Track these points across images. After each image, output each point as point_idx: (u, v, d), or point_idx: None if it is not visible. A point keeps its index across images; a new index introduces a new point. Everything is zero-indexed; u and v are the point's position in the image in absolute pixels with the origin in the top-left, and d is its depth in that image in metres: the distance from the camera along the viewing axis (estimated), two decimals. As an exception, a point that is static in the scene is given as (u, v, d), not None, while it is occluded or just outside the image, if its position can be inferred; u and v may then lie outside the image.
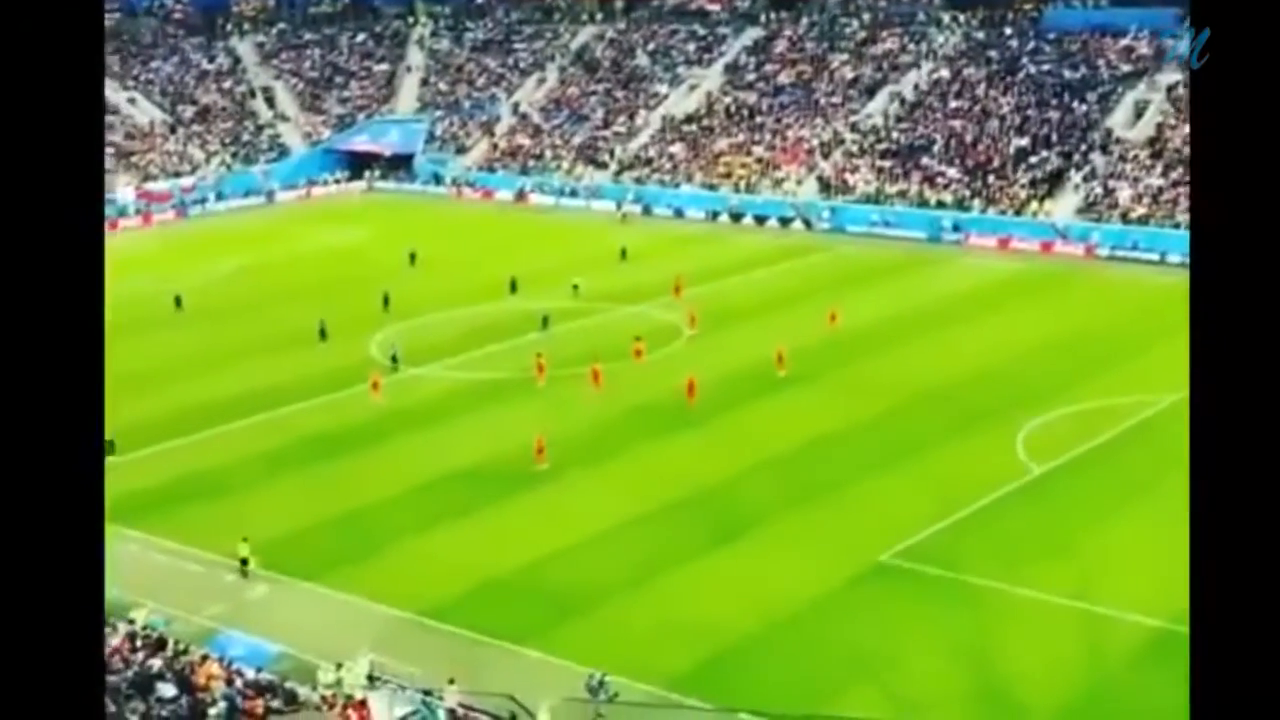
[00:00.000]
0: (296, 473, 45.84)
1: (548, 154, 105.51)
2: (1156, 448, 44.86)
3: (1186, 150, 78.21)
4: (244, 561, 37.74)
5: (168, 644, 30.08)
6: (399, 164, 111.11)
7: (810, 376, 54.69)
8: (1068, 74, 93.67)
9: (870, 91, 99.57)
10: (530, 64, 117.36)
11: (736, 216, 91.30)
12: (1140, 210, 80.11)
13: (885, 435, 47.94)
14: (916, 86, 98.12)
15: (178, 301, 68.83)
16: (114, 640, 29.55)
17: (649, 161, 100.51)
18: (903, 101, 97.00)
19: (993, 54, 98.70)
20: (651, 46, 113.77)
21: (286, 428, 50.40)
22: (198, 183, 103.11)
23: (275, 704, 27.25)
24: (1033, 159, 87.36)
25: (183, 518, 41.73)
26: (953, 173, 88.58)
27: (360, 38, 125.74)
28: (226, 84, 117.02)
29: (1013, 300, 68.56)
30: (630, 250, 79.04)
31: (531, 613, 35.08)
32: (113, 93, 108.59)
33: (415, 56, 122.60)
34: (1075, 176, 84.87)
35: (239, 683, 28.18)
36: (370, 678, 28.70)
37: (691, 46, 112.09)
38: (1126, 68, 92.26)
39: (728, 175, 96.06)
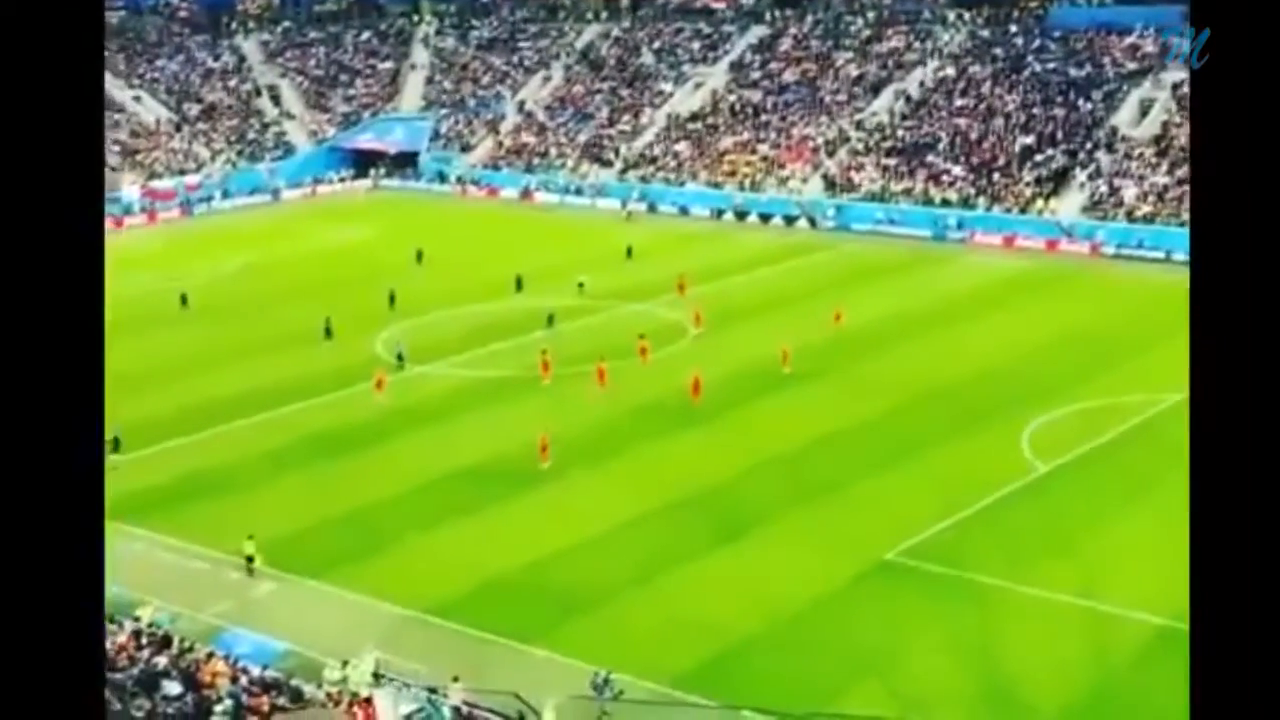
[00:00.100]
0: (302, 471, 45.88)
1: (553, 152, 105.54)
2: (1161, 446, 44.82)
3: (1192, 148, 78.09)
4: (249, 559, 37.79)
5: (173, 642, 30.12)
6: (404, 162, 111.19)
7: (815, 375, 54.69)
8: (1073, 72, 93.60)
9: (875, 89, 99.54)
10: (535, 62, 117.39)
11: (741, 215, 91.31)
12: (1145, 208, 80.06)
13: (890, 433, 47.92)
14: (922, 84, 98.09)
15: (183, 299, 68.90)
16: (120, 638, 29.61)
17: (654, 160, 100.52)
18: (908, 99, 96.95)
19: (998, 52, 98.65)
20: (656, 45, 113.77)
21: (292, 426, 50.44)
22: (203, 181, 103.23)
23: (281, 701, 27.28)
24: (1038, 157, 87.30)
25: (188, 515, 41.76)
26: (958, 171, 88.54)
27: (365, 36, 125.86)
28: (232, 82, 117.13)
29: (1018, 298, 68.52)
30: (635, 248, 79.07)
31: (536, 611, 35.11)
32: (118, 91, 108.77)
33: (420, 55, 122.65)
34: (1080, 175, 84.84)
35: (244, 680, 28.22)
36: (376, 675, 28.73)
37: (696, 45, 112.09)
38: (1132, 66, 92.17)
39: (733, 173, 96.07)
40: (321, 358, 58.81)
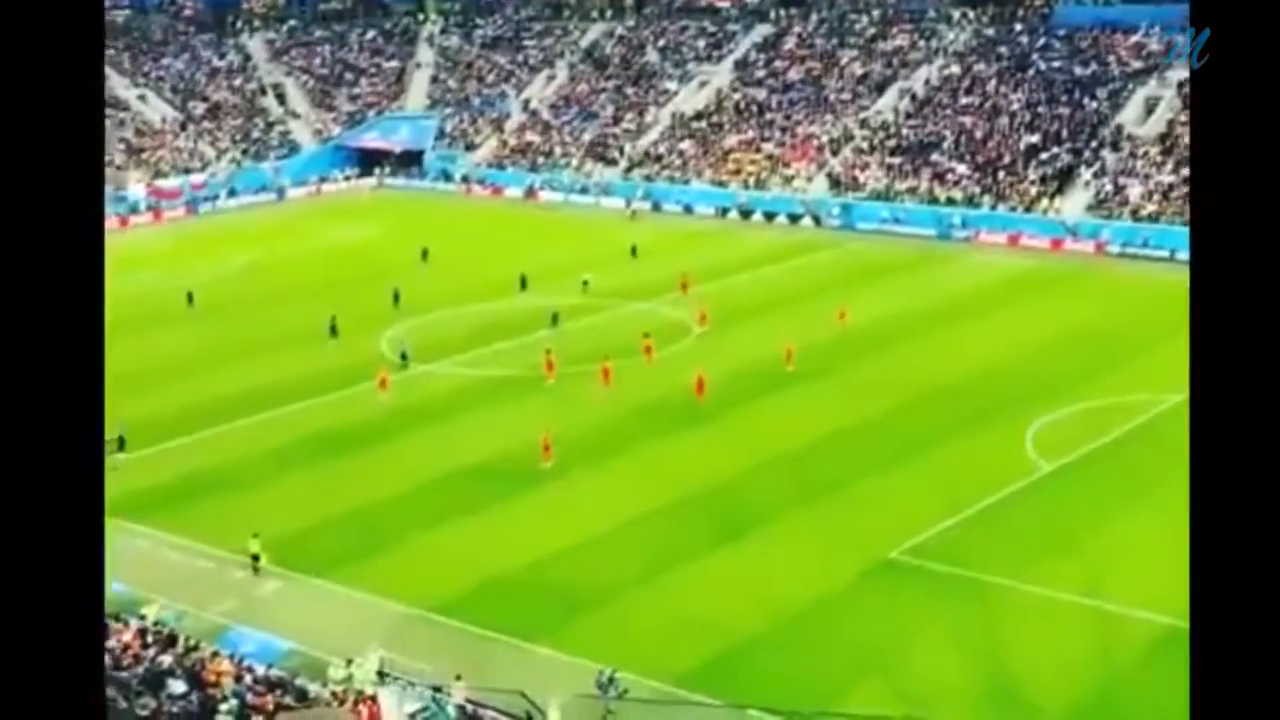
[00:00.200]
0: (306, 469, 45.95)
1: (557, 151, 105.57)
2: (1165, 445, 44.77)
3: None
4: (255, 557, 37.83)
5: (178, 640, 30.18)
6: (409, 161, 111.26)
7: (819, 373, 54.69)
8: (1078, 70, 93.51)
9: (880, 88, 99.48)
10: (540, 61, 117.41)
11: (746, 213, 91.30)
12: (1151, 207, 79.96)
13: (894, 432, 47.92)
14: (926, 83, 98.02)
15: (189, 298, 68.97)
16: (125, 636, 29.68)
17: (659, 158, 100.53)
18: (913, 98, 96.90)
19: (1003, 50, 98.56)
20: (661, 43, 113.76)
21: (297, 424, 50.51)
22: (208, 179, 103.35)
23: (286, 700, 27.32)
24: (1043, 156, 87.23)
25: (193, 514, 41.84)
26: (962, 169, 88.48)
27: (370, 34, 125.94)
28: (237, 81, 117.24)
29: (1022, 297, 68.47)
30: (640, 247, 79.07)
31: (540, 609, 35.15)
32: (123, 90, 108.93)
33: (425, 53, 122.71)
34: (1085, 173, 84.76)
35: (249, 679, 28.27)
36: (380, 674, 28.76)
37: (701, 43, 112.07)
38: (1137, 64, 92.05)
39: (737, 172, 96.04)
40: (326, 356, 58.88)
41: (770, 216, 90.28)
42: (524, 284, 70.14)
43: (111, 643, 28.74)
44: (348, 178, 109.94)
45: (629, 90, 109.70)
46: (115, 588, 34.04)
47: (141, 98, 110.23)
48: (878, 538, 38.71)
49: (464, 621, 34.49)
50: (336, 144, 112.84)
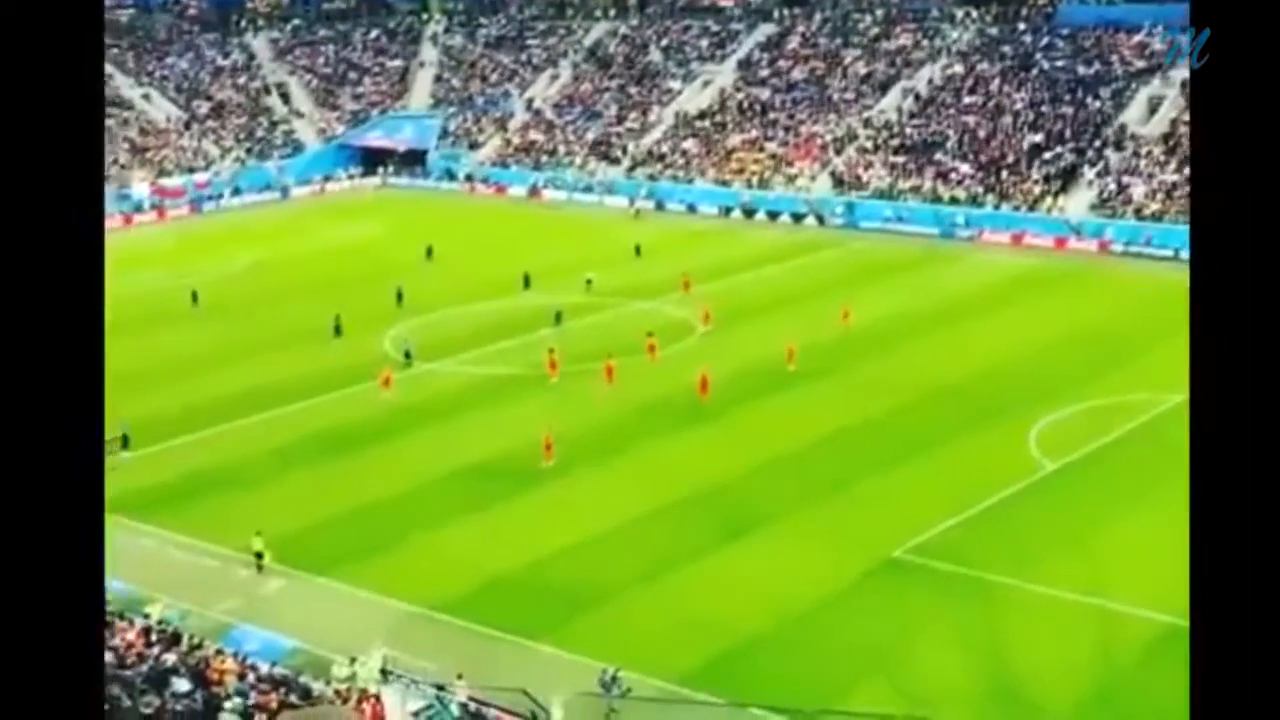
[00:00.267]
0: (310, 467, 45.98)
1: (561, 150, 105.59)
2: (1169, 444, 44.71)
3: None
4: (259, 555, 37.87)
5: (182, 639, 30.20)
6: (412, 160, 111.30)
7: (823, 372, 54.69)
8: (1081, 70, 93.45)
9: (883, 87, 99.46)
10: (543, 60, 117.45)
11: (749, 212, 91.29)
12: (1154, 206, 79.91)
13: (898, 431, 47.91)
14: (930, 82, 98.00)
15: (194, 297, 69.01)
16: (129, 635, 29.70)
17: (662, 157, 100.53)
18: (916, 97, 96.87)
19: (1006, 50, 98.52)
20: (665, 42, 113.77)
21: (301, 422, 50.55)
22: (212, 178, 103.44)
23: (290, 698, 27.33)
24: (1046, 155, 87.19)
25: (197, 512, 41.88)
26: (966, 169, 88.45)
27: (374, 34, 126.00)
28: (241, 80, 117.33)
29: (1026, 296, 68.43)
30: (643, 246, 79.06)
31: (544, 608, 35.16)
32: (127, 89, 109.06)
33: (429, 52, 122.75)
34: (1089, 172, 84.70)
35: (252, 677, 28.29)
36: (384, 672, 28.81)
37: (704, 42, 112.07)
38: (1140, 63, 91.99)
39: (741, 171, 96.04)
40: (330, 355, 58.93)
41: (774, 216, 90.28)
42: (527, 283, 70.16)
43: (115, 641, 28.77)
44: (351, 177, 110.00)
45: (632, 89, 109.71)
46: (119, 586, 34.11)
47: (146, 97, 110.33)
48: (881, 537, 38.72)
49: (467, 620, 34.52)
50: (340, 143, 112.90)
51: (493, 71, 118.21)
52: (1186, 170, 79.90)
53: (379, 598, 36.01)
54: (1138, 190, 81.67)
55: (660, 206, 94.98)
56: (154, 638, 29.95)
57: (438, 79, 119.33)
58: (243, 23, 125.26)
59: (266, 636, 33.18)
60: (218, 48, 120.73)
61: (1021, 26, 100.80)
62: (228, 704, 26.39)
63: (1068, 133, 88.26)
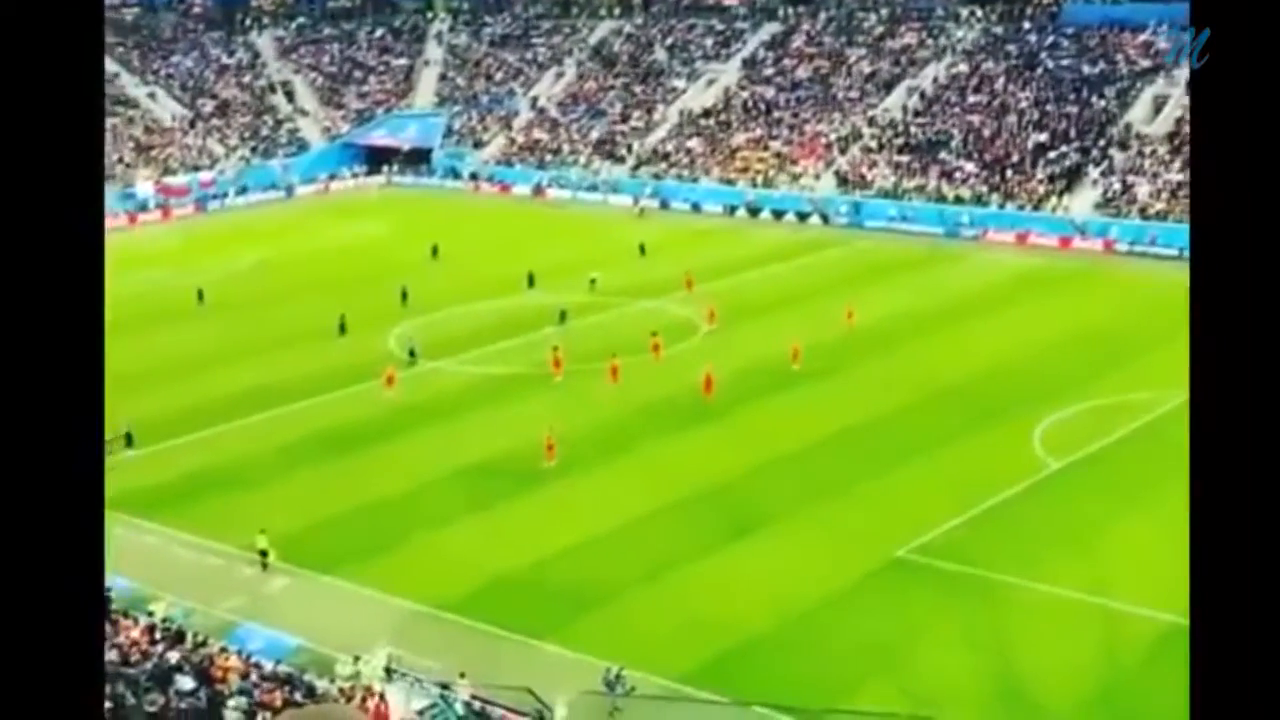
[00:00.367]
0: (315, 466, 46.01)
1: (565, 149, 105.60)
2: (1173, 443, 44.63)
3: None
4: (263, 554, 37.91)
5: (186, 637, 30.28)
6: (417, 158, 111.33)
7: (827, 372, 54.68)
8: (1086, 69, 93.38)
9: (888, 86, 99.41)
10: (548, 59, 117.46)
11: (754, 211, 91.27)
12: (1159, 205, 79.83)
13: (902, 430, 47.89)
14: (934, 81, 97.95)
15: (199, 295, 69.07)
16: (133, 633, 29.77)
17: (666, 156, 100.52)
18: (921, 96, 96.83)
19: (1011, 49, 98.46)
20: (669, 41, 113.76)
21: (306, 421, 50.59)
22: (217, 177, 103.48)
23: (294, 696, 27.38)
24: (1051, 154, 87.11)
25: (202, 510, 41.93)
26: (970, 168, 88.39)
27: (379, 32, 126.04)
28: (246, 78, 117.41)
29: (1030, 296, 68.38)
30: (648, 245, 79.03)
31: (547, 607, 35.19)
32: (132, 87, 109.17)
33: (433, 51, 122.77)
34: (1094, 172, 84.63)
35: (256, 675, 28.35)
36: (388, 670, 28.88)
37: (709, 41, 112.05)
38: (1145, 62, 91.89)
39: (745, 170, 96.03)
40: (334, 353, 58.96)
41: (778, 214, 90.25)
42: (532, 281, 70.17)
43: (120, 639, 28.84)
44: (356, 175, 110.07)
45: (637, 88, 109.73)
46: (123, 584, 34.18)
47: (150, 95, 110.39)
48: (885, 536, 38.72)
49: (471, 619, 34.54)
50: (345, 141, 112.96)
51: (497, 70, 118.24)
52: (1191, 169, 79.75)
53: (383, 596, 36.05)
54: (1142, 190, 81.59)
55: (665, 205, 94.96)
56: (158, 636, 30.04)
57: (442, 77, 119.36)
58: (248, 21, 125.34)
59: (270, 635, 33.22)
60: (223, 46, 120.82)
61: (1026, 25, 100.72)
62: (231, 702, 26.45)
63: (1072, 132, 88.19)
